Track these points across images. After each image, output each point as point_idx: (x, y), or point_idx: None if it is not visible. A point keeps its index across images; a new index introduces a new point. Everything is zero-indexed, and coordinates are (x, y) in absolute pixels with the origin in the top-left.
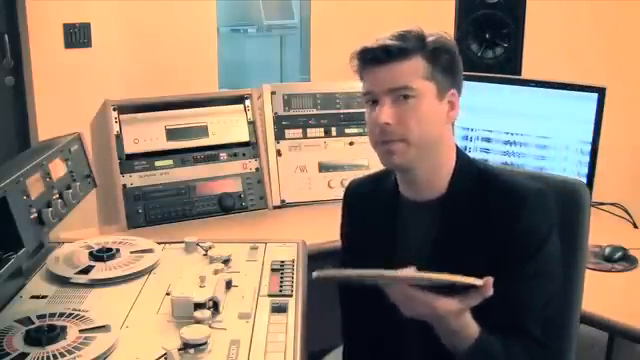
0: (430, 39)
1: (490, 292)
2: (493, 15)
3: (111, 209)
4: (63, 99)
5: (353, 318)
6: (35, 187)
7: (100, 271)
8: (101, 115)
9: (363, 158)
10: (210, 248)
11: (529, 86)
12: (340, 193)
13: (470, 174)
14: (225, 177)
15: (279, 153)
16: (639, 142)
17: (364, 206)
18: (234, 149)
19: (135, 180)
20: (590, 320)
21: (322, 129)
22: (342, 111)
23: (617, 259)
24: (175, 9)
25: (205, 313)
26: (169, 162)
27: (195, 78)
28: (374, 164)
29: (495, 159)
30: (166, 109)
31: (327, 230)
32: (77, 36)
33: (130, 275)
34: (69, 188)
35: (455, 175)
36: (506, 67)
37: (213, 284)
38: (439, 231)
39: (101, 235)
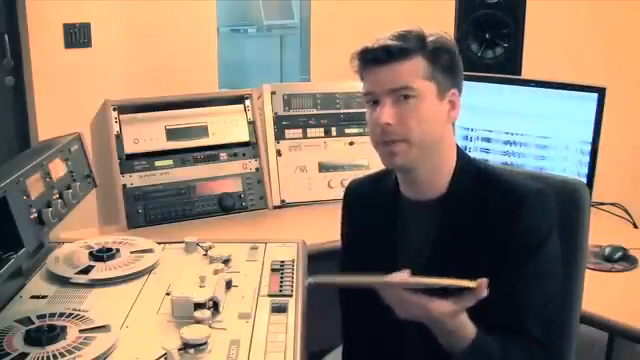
0: (430, 39)
1: (484, 293)
2: (493, 15)
3: (111, 209)
4: (63, 99)
5: (353, 318)
6: (35, 187)
7: (100, 271)
8: (101, 115)
9: (363, 158)
10: (210, 248)
11: (529, 86)
12: (340, 193)
13: (470, 174)
14: (225, 177)
15: (279, 153)
16: (639, 142)
17: (364, 206)
18: (234, 149)
19: (135, 180)
20: (590, 320)
21: (322, 129)
22: (342, 111)
23: (617, 259)
24: (175, 9)
25: (205, 313)
26: (169, 162)
27: (195, 78)
28: (374, 164)
29: (495, 159)
30: (166, 109)
31: (327, 230)
32: (77, 36)
33: (130, 275)
34: (69, 188)
35: (456, 175)
36: (506, 67)
37: (213, 284)
38: (439, 231)
39: (101, 235)
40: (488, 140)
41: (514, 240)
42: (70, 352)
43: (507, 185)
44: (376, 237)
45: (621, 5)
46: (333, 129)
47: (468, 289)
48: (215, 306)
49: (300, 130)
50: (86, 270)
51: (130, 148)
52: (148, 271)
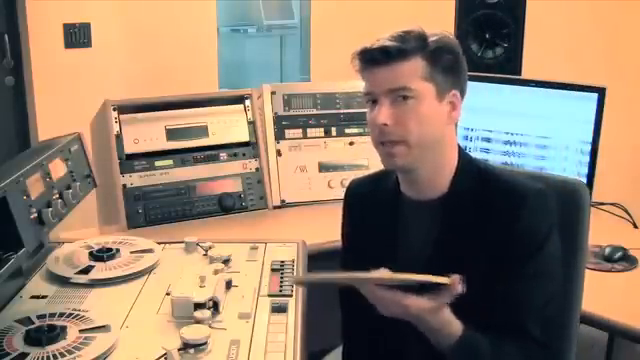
0: (432, 39)
1: (458, 290)
2: (493, 15)
3: (111, 209)
4: (63, 99)
5: (353, 318)
6: (35, 187)
7: (100, 271)
8: (101, 115)
9: (363, 158)
10: (210, 248)
11: (529, 86)
12: (340, 193)
13: (471, 174)
14: (225, 177)
15: (279, 153)
16: (639, 142)
17: (365, 206)
18: (234, 149)
19: (135, 180)
20: (590, 320)
21: (322, 129)
22: (342, 111)
23: (617, 259)
24: (175, 9)
25: (205, 313)
26: (169, 162)
27: (195, 78)
28: (374, 164)
29: (495, 159)
30: (166, 109)
31: (327, 230)
32: (77, 36)
33: (130, 275)
34: (69, 188)
35: (457, 175)
36: (506, 67)
37: (213, 284)
38: (440, 230)
39: (101, 235)
40: (488, 140)
41: (514, 240)
42: (70, 352)
43: (507, 185)
44: (377, 237)
45: (621, 5)
46: (333, 129)
47: (443, 285)
48: (215, 306)
49: (300, 130)
50: (86, 270)
51: (130, 148)
52: (148, 271)
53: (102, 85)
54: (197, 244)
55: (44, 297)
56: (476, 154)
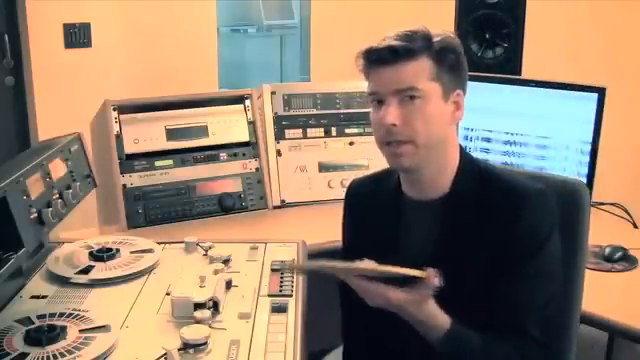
0: (436, 39)
1: (434, 283)
2: (493, 15)
3: (111, 209)
4: (63, 99)
5: (353, 317)
6: (35, 187)
7: (100, 271)
8: (101, 115)
9: (363, 158)
10: (210, 248)
11: (529, 86)
12: (340, 193)
13: (473, 173)
14: (225, 177)
15: (279, 153)
16: (639, 142)
17: (365, 206)
18: (234, 149)
19: (135, 180)
20: (590, 320)
21: (322, 129)
22: (342, 111)
23: (617, 259)
24: (175, 9)
25: (205, 313)
26: (169, 162)
27: (195, 78)
28: (374, 164)
29: (495, 159)
30: (166, 109)
31: (327, 230)
32: (77, 36)
33: (130, 275)
34: (69, 188)
35: (458, 175)
36: (506, 67)
37: (213, 284)
38: (441, 230)
39: (101, 235)
40: (488, 140)
41: (515, 240)
42: (70, 352)
43: (508, 185)
44: (378, 237)
45: (621, 5)
46: (333, 129)
47: (420, 278)
48: (215, 306)
49: (300, 130)
50: (86, 270)
51: (130, 148)
52: (148, 271)
53: (102, 85)
54: (197, 244)
55: (44, 297)
56: (476, 154)
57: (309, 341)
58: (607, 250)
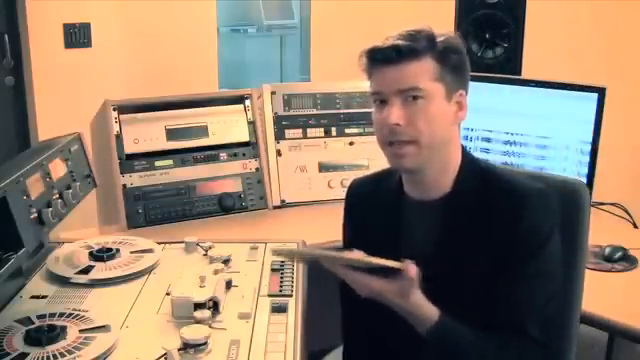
0: (440, 39)
1: (411, 274)
2: (493, 15)
3: (111, 209)
4: (63, 99)
5: (353, 316)
6: (35, 187)
7: (100, 271)
8: (101, 115)
9: (363, 158)
10: (210, 248)
11: (529, 86)
12: (340, 193)
13: (474, 173)
14: (225, 177)
15: (279, 153)
16: (639, 142)
17: (366, 206)
18: (234, 149)
19: (135, 180)
20: (590, 320)
21: (322, 129)
22: (342, 111)
23: (617, 259)
24: (175, 9)
25: (205, 313)
26: (169, 162)
27: (195, 78)
28: (374, 164)
29: (495, 159)
30: (166, 109)
31: (327, 230)
32: (77, 36)
33: (130, 275)
34: (69, 188)
35: (460, 174)
36: (506, 67)
37: (213, 284)
38: (443, 230)
39: (101, 235)
40: (488, 140)
41: (517, 240)
42: (70, 352)
43: (509, 185)
44: (379, 237)
45: (621, 5)
46: (333, 129)
47: (399, 270)
48: (215, 306)
49: (300, 130)
50: (86, 270)
51: (130, 148)
52: (148, 271)
53: (102, 85)
54: (197, 244)
55: (44, 297)
56: (476, 154)
57: (309, 341)
58: (607, 250)
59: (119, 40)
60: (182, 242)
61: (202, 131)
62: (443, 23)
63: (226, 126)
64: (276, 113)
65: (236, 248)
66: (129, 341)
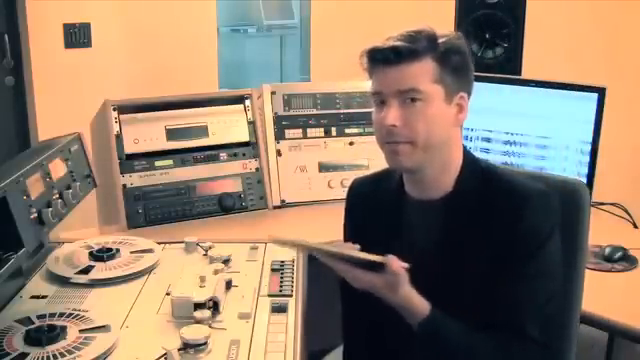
0: (441, 40)
1: (393, 268)
2: (493, 15)
3: (111, 209)
4: (63, 99)
5: (353, 315)
6: (35, 187)
7: (100, 271)
8: (101, 115)
9: (363, 158)
10: (210, 248)
11: (529, 86)
12: (340, 193)
13: (475, 173)
14: (225, 177)
15: (279, 153)
16: (639, 142)
17: (367, 205)
18: (234, 149)
19: (135, 180)
20: (590, 320)
21: (322, 129)
22: (342, 111)
23: (617, 259)
24: (175, 9)
25: (205, 313)
26: (169, 162)
27: (195, 78)
28: (374, 164)
29: (495, 159)
30: (166, 109)
31: (327, 230)
32: (77, 36)
33: (130, 275)
34: (69, 188)
35: (461, 174)
36: (506, 67)
37: (213, 284)
38: (443, 230)
39: (101, 235)
40: (488, 140)
41: (517, 240)
42: (70, 352)
43: (510, 185)
44: (380, 236)
45: (621, 5)
46: (333, 129)
47: (380, 264)
48: (215, 306)
49: (300, 130)
50: (86, 270)
51: (130, 148)
52: (148, 271)
53: (102, 85)
54: (197, 244)
55: (44, 297)
56: (476, 154)
57: (309, 341)
58: (607, 250)
59: (119, 40)
60: (182, 242)
61: (202, 131)
62: (443, 23)
63: (226, 126)
64: (276, 113)
65: (236, 248)
66: (129, 341)
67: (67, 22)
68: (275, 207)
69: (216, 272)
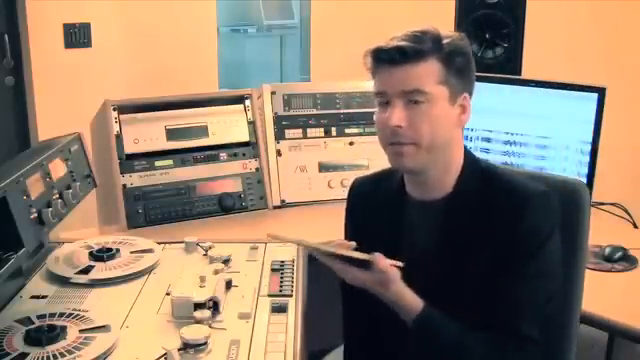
0: (446, 41)
1: (379, 265)
2: (493, 15)
3: (111, 209)
4: (63, 99)
5: (354, 315)
6: (35, 187)
7: (100, 271)
8: (101, 115)
9: (363, 158)
10: (210, 248)
11: (529, 86)
12: (340, 193)
13: (475, 173)
14: (225, 177)
15: (279, 153)
16: (639, 142)
17: (368, 205)
18: (234, 149)
19: (135, 180)
20: (590, 320)
21: (322, 129)
22: (342, 111)
23: (617, 259)
24: (175, 9)
25: (205, 313)
26: (169, 162)
27: (195, 78)
28: (374, 164)
29: (495, 159)
30: (166, 109)
31: (327, 230)
32: (77, 36)
33: (130, 275)
34: (69, 188)
35: (462, 175)
36: (506, 67)
37: (213, 284)
38: (443, 230)
39: (101, 235)
40: (488, 140)
41: (517, 240)
42: (70, 352)
43: (510, 185)
44: (380, 236)
45: (621, 5)
46: (333, 129)
47: (367, 262)
48: (215, 306)
49: (300, 130)
50: (86, 270)
51: (130, 148)
52: (148, 271)
53: (102, 85)
54: (197, 244)
55: (44, 297)
56: (476, 154)
57: (309, 341)
58: (607, 250)
59: (119, 40)
60: (182, 242)
61: (202, 131)
62: (443, 23)
63: (226, 126)
64: (276, 113)
65: (236, 248)
66: (129, 341)
67: (67, 22)
68: (275, 207)
69: (216, 272)
